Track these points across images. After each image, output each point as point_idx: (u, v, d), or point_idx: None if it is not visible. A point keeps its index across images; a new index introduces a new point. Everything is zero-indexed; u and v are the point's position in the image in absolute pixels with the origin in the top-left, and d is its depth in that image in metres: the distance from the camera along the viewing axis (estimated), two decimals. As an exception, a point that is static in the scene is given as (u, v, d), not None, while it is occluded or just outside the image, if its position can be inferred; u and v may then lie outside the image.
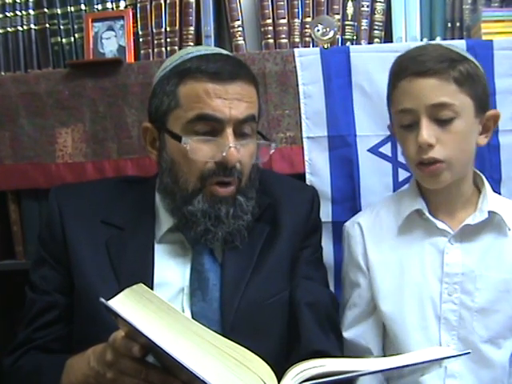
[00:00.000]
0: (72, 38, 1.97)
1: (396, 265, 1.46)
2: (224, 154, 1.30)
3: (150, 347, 1.03)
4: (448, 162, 1.36)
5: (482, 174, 1.50)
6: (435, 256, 1.43)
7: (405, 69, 1.38)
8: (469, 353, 1.23)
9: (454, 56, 1.37)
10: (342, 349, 1.41)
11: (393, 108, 1.44)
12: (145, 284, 1.11)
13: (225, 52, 1.46)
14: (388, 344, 1.48)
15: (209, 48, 1.53)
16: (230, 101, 1.31)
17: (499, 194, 1.70)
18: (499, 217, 1.41)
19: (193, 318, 1.31)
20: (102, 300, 1.00)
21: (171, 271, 1.38)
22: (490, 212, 1.41)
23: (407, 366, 1.15)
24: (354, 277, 1.51)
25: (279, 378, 1.05)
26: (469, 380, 1.39)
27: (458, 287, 1.40)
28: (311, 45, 1.89)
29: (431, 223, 1.44)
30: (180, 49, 1.88)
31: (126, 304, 1.05)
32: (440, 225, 1.43)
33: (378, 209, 1.55)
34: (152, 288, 1.31)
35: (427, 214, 1.44)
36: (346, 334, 1.48)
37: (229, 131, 1.32)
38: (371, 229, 1.51)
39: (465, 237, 1.42)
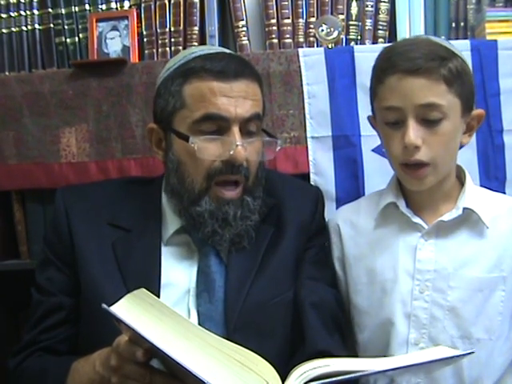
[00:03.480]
0: (76, 38, 1.97)
1: (370, 259, 1.46)
2: (231, 153, 1.30)
3: (154, 351, 1.03)
4: (433, 163, 1.34)
5: (464, 168, 1.47)
6: (408, 252, 1.42)
7: (394, 65, 1.33)
8: (473, 352, 1.23)
9: (443, 53, 1.33)
10: (346, 349, 1.40)
11: (377, 103, 1.40)
12: (151, 286, 1.11)
13: (228, 51, 1.45)
14: (357, 339, 1.48)
15: (212, 47, 1.53)
16: (236, 99, 1.32)
17: (504, 194, 1.70)
18: (476, 215, 1.39)
19: (199, 319, 1.32)
20: (104, 306, 1.01)
21: (178, 273, 1.37)
22: (465, 209, 1.39)
23: (412, 365, 1.15)
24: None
25: (283, 379, 1.05)
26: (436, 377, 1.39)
27: (429, 284, 1.39)
28: (315, 45, 1.89)
29: (406, 217, 1.43)
30: (184, 49, 1.88)
31: (128, 309, 1.04)
32: (415, 219, 1.42)
33: (360, 203, 1.56)
34: (159, 289, 1.32)
35: (401, 207, 1.43)
36: None
37: (235, 129, 1.32)
38: (349, 225, 1.52)
39: (440, 233, 1.41)
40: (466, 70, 1.37)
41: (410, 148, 1.32)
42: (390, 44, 1.43)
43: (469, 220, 1.41)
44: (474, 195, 1.42)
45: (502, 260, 1.39)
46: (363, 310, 1.46)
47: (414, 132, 1.32)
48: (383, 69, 1.37)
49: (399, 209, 1.44)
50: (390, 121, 1.36)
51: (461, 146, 1.43)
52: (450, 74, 1.32)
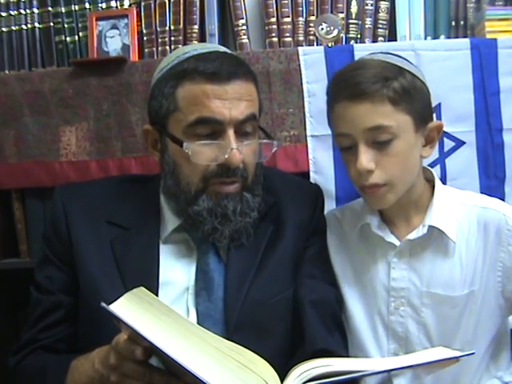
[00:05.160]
0: (76, 37, 1.97)
1: (351, 274, 1.48)
2: (226, 156, 1.29)
3: (153, 350, 1.03)
4: (390, 184, 1.33)
5: (433, 172, 1.46)
6: (384, 269, 1.43)
7: (339, 92, 1.33)
8: (473, 353, 1.23)
9: (388, 73, 1.31)
10: (346, 347, 1.41)
11: (332, 127, 1.41)
12: (150, 284, 1.11)
13: (222, 49, 1.42)
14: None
15: (205, 45, 1.48)
16: (230, 101, 1.29)
17: (503, 193, 1.71)
18: (441, 232, 1.37)
19: (198, 317, 1.32)
20: (103, 304, 1.00)
21: (176, 271, 1.37)
22: (431, 227, 1.38)
23: (412, 365, 1.15)
24: None
25: (283, 378, 1.05)
26: None
27: (404, 301, 1.40)
28: (315, 43, 1.89)
29: (380, 236, 1.43)
30: (184, 47, 1.88)
31: (127, 308, 1.04)
32: (388, 238, 1.42)
33: (345, 213, 1.56)
34: (157, 288, 1.31)
35: (373, 228, 1.43)
36: None
37: (230, 132, 1.30)
38: (333, 234, 1.53)
39: (413, 251, 1.41)
40: (416, 85, 1.33)
41: (363, 173, 1.32)
42: (344, 67, 1.40)
43: (436, 236, 1.39)
44: (442, 207, 1.40)
45: (473, 275, 1.38)
46: (347, 323, 1.47)
47: (365, 156, 1.31)
48: (332, 96, 1.37)
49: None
50: (344, 146, 1.37)
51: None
52: (395, 93, 1.30)
